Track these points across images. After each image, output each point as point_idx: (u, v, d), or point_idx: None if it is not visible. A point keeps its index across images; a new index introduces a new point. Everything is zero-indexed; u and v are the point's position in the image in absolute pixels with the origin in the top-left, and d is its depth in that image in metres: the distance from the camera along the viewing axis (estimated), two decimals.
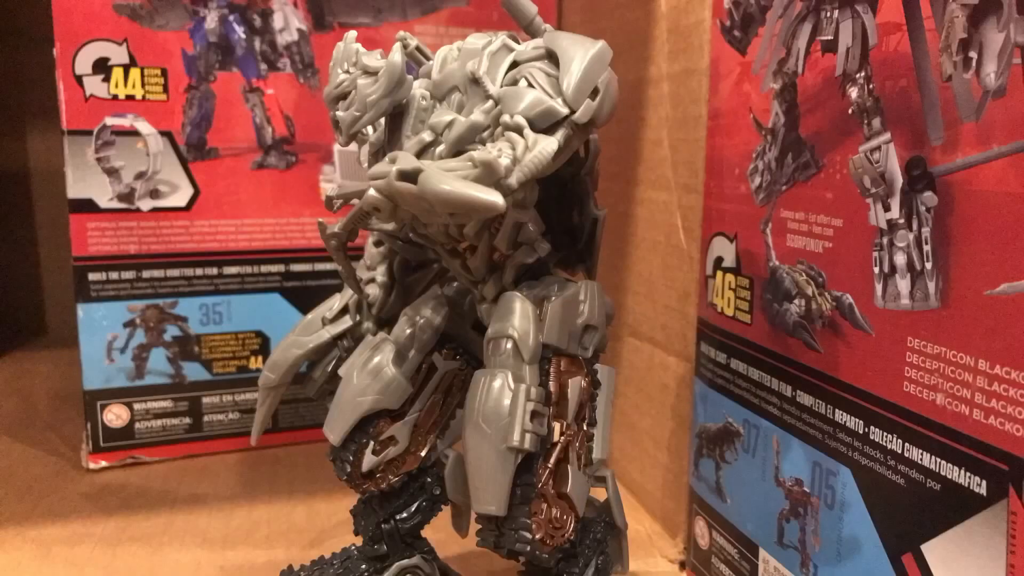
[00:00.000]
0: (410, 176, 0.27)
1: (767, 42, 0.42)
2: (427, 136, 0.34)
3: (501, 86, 0.33)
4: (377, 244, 0.45)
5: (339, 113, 0.35)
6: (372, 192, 0.29)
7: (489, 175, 0.29)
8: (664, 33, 0.57)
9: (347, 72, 0.35)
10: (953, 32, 0.30)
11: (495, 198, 0.27)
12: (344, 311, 0.45)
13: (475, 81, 0.34)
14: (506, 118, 0.31)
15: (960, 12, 0.30)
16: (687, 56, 0.53)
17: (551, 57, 0.33)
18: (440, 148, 0.33)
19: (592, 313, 0.36)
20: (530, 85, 0.33)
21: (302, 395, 0.46)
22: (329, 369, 0.45)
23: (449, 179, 0.27)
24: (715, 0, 0.47)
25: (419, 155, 0.33)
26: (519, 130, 0.31)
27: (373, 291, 0.44)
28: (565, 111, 0.32)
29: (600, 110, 0.33)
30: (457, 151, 0.33)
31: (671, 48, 0.56)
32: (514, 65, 0.34)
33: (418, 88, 0.35)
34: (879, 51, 0.34)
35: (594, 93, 0.32)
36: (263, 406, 0.46)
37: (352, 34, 0.36)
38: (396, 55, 0.34)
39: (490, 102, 0.33)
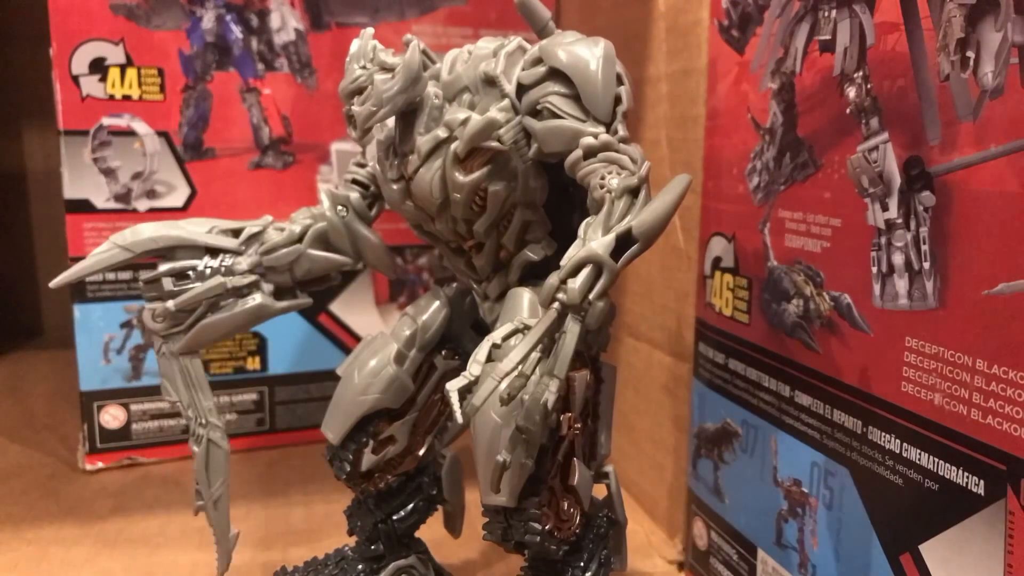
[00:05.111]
0: (626, 239, 0.30)
1: (765, 42, 0.42)
2: (442, 132, 0.35)
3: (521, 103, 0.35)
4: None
5: (355, 108, 0.36)
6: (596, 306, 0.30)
7: (634, 194, 0.32)
8: (662, 33, 0.57)
9: (364, 68, 0.36)
10: (951, 32, 0.30)
11: (685, 182, 0.31)
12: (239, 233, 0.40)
13: (490, 81, 0.35)
14: (588, 140, 0.33)
15: (957, 12, 0.30)
16: (685, 56, 0.53)
17: (556, 75, 0.34)
18: (455, 144, 0.35)
19: None
20: (555, 115, 0.34)
21: (299, 397, 0.46)
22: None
23: (648, 210, 0.30)
24: (713, 0, 0.47)
25: (433, 151, 0.35)
26: (609, 148, 0.33)
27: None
28: (600, 130, 0.34)
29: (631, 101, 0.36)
30: (473, 147, 0.34)
31: (669, 48, 0.56)
32: (520, 87, 0.35)
33: (431, 87, 0.36)
34: (877, 51, 0.34)
35: (617, 100, 0.35)
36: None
37: (369, 31, 0.37)
38: (414, 53, 0.35)
39: (507, 100, 0.35)
